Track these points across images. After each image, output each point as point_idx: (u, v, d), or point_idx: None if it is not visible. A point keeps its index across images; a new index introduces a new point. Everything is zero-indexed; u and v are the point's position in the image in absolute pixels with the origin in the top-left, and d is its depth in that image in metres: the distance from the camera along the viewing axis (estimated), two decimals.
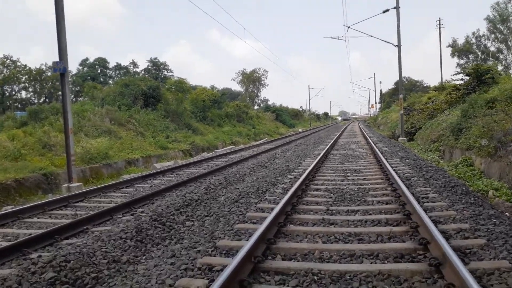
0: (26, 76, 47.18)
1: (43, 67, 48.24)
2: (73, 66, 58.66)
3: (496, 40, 48.98)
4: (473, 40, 51.99)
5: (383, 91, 72.76)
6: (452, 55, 53.60)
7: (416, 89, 52.43)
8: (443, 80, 39.03)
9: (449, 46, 53.67)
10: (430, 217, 4.59)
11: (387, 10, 21.50)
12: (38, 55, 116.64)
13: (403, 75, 23.13)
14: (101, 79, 54.10)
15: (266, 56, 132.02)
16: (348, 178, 8.54)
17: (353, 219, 5.21)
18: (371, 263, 3.75)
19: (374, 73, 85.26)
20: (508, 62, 47.52)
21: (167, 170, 11.69)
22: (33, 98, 49.40)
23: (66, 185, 10.09)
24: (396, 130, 25.55)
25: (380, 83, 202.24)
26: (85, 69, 56.57)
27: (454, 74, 56.87)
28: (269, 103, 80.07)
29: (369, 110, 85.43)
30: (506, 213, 5.64)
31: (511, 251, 3.67)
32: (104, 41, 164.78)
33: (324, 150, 13.97)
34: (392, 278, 3.39)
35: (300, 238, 4.57)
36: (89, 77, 51.01)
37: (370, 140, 18.11)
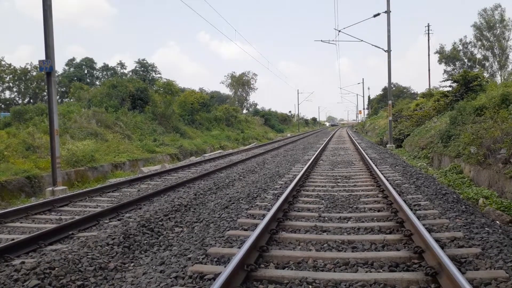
0: (11, 76, 46.24)
1: (28, 66, 47.33)
2: (59, 66, 57.59)
3: (482, 47, 49.84)
4: (460, 47, 52.66)
5: (371, 97, 73.48)
6: (440, 61, 54.17)
7: (404, 96, 52.92)
8: (431, 87, 39.57)
9: (436, 52, 54.28)
10: (423, 225, 4.55)
11: (378, 14, 21.69)
12: (24, 53, 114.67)
13: (391, 81, 23.29)
14: (88, 80, 53.23)
15: (256, 58, 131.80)
16: (339, 184, 8.50)
17: (346, 226, 5.14)
18: (366, 272, 3.68)
19: (363, 79, 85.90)
20: (494, 70, 48.44)
21: (155, 174, 11.50)
22: (17, 99, 48.40)
23: (50, 188, 9.83)
24: (384, 136, 25.69)
25: (369, 88, 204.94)
26: (72, 69, 55.60)
27: (442, 81, 57.82)
28: (258, 107, 79.98)
29: (357, 116, 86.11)
30: (497, 222, 5.64)
31: (507, 261, 3.64)
32: (91, 41, 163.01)
33: (314, 156, 13.95)
34: None
35: (293, 245, 4.48)
36: (75, 78, 50.12)
37: (359, 146, 18.20)
